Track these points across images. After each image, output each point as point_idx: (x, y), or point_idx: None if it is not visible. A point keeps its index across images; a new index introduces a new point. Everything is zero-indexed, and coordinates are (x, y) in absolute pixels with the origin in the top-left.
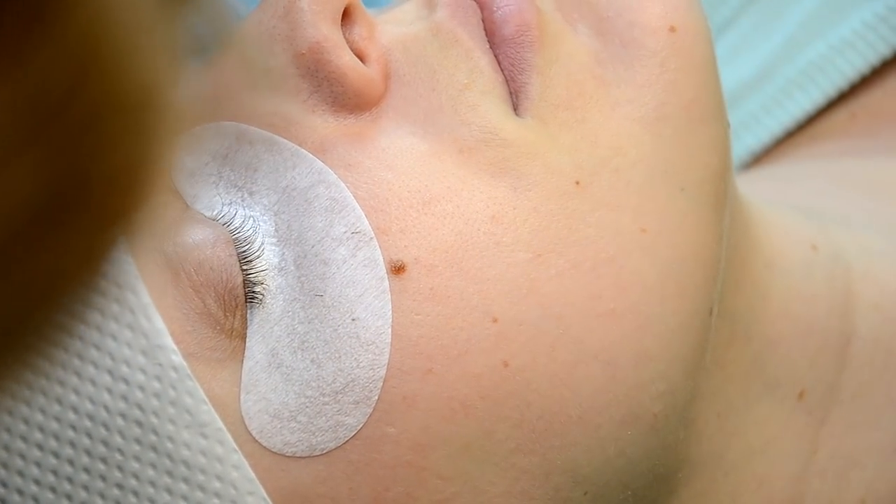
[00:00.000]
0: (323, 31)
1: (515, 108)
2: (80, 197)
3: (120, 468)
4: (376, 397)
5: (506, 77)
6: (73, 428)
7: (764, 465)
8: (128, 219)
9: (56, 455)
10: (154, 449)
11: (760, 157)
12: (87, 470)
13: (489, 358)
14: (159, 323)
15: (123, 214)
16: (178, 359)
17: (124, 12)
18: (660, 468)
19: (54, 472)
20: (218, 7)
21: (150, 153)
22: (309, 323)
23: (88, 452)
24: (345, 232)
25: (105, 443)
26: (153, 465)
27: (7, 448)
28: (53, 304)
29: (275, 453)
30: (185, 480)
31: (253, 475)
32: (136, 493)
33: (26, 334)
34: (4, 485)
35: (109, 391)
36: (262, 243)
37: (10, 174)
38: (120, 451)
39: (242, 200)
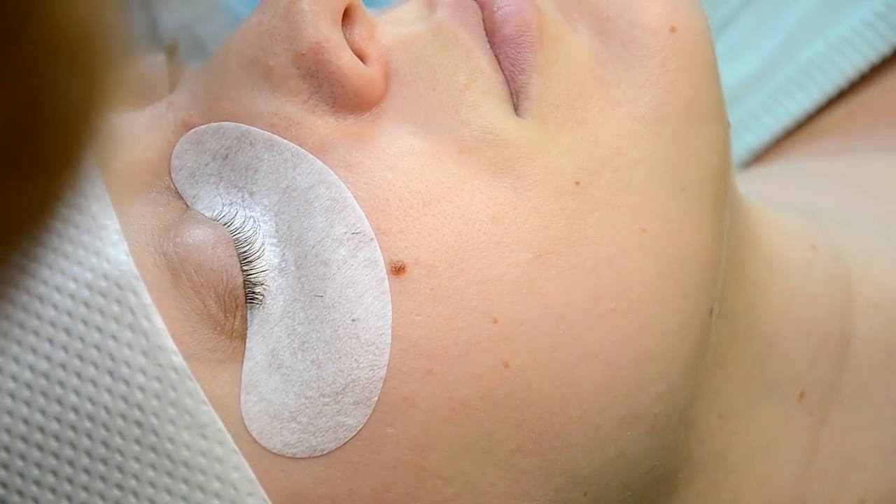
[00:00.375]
0: (323, 31)
1: (516, 109)
2: (32, 135)
3: (120, 469)
4: (376, 398)
5: (506, 77)
6: (74, 429)
7: (765, 466)
8: (79, 159)
9: (56, 456)
10: (154, 450)
11: (760, 156)
12: (87, 471)
13: (489, 358)
14: (159, 324)
15: (78, 150)
16: (178, 359)
17: None
18: (660, 468)
19: (54, 473)
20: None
21: (100, 87)
22: (309, 324)
23: (88, 453)
24: (345, 232)
25: (105, 444)
26: (153, 466)
27: (7, 449)
28: (10, 247)
29: (275, 454)
30: (185, 481)
31: (253, 476)
32: (136, 494)
33: None
34: (5, 486)
35: (109, 392)
36: (263, 244)
37: None
38: (120, 451)
39: (243, 201)
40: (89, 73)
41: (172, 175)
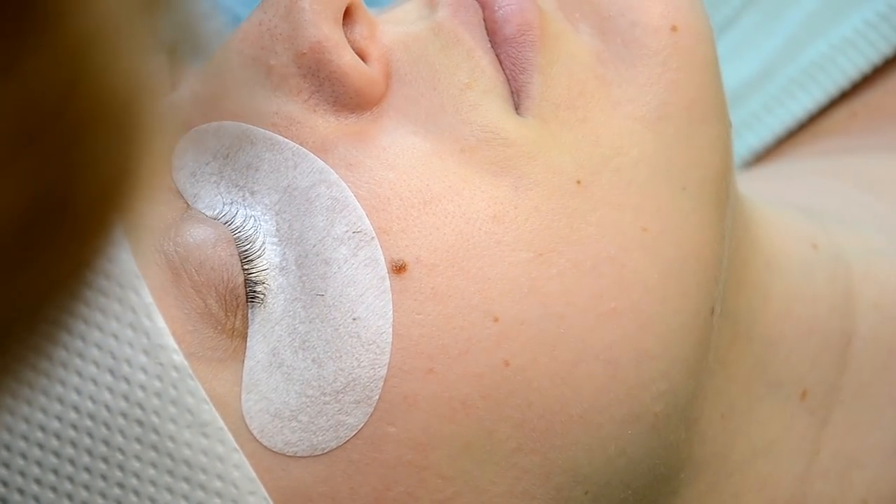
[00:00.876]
0: (324, 30)
1: (517, 108)
2: (69, 204)
3: (121, 467)
4: (377, 397)
5: (507, 76)
6: (75, 427)
7: (767, 466)
8: (116, 224)
9: (57, 454)
10: (155, 448)
11: (762, 156)
12: (88, 469)
13: (490, 357)
14: (161, 322)
15: (112, 220)
16: (179, 358)
17: (111, 21)
18: (661, 468)
19: (55, 472)
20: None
21: (137, 159)
22: (310, 322)
23: (89, 452)
24: (346, 231)
25: (106, 442)
26: (154, 465)
27: (8, 447)
28: (46, 308)
29: (276, 453)
30: (186, 480)
31: (254, 475)
32: (136, 493)
33: (20, 338)
34: (5, 484)
35: (111, 390)
36: (264, 243)
37: (1, 184)
38: (121, 450)
39: (244, 200)
40: (128, 145)
41: (173, 174)
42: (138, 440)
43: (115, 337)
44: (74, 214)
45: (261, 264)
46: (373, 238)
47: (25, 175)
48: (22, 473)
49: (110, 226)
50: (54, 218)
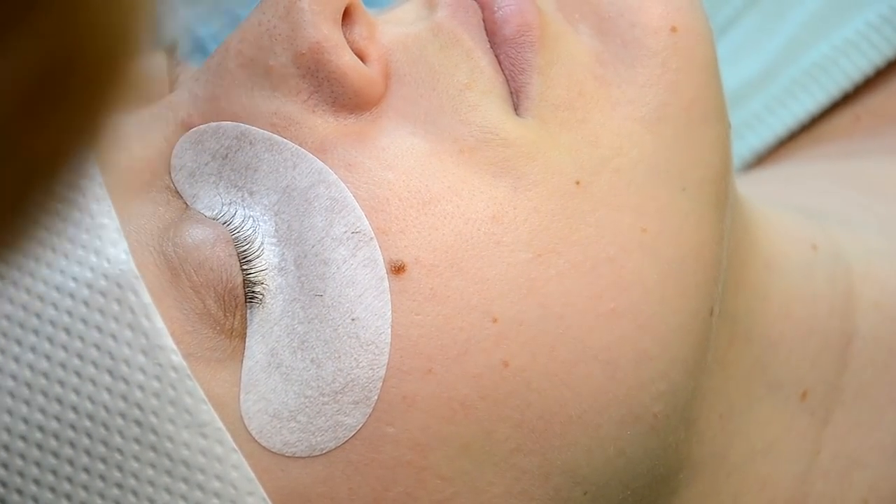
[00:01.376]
0: (323, 31)
1: (516, 108)
2: (69, 75)
3: (119, 468)
4: (376, 397)
5: (506, 77)
6: (73, 428)
7: (767, 466)
8: (115, 95)
9: (56, 455)
10: (153, 448)
11: (763, 158)
12: (86, 470)
13: (489, 358)
14: (159, 323)
15: (111, 90)
16: (177, 359)
17: None
18: (660, 468)
19: (54, 472)
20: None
21: (133, 28)
22: (309, 323)
23: (88, 452)
24: (345, 232)
25: (105, 442)
26: (152, 465)
27: (7, 448)
28: (49, 183)
29: (274, 453)
30: (185, 480)
31: (252, 475)
32: (135, 493)
33: (27, 213)
34: (4, 485)
35: (109, 391)
36: (262, 243)
37: (3, 54)
38: (119, 450)
39: (242, 200)
40: (126, 8)
41: (172, 174)
42: (137, 440)
43: (114, 337)
44: (76, 83)
45: (259, 264)
46: (372, 238)
47: (29, 39)
48: (21, 474)
49: (113, 92)
50: (59, 84)
